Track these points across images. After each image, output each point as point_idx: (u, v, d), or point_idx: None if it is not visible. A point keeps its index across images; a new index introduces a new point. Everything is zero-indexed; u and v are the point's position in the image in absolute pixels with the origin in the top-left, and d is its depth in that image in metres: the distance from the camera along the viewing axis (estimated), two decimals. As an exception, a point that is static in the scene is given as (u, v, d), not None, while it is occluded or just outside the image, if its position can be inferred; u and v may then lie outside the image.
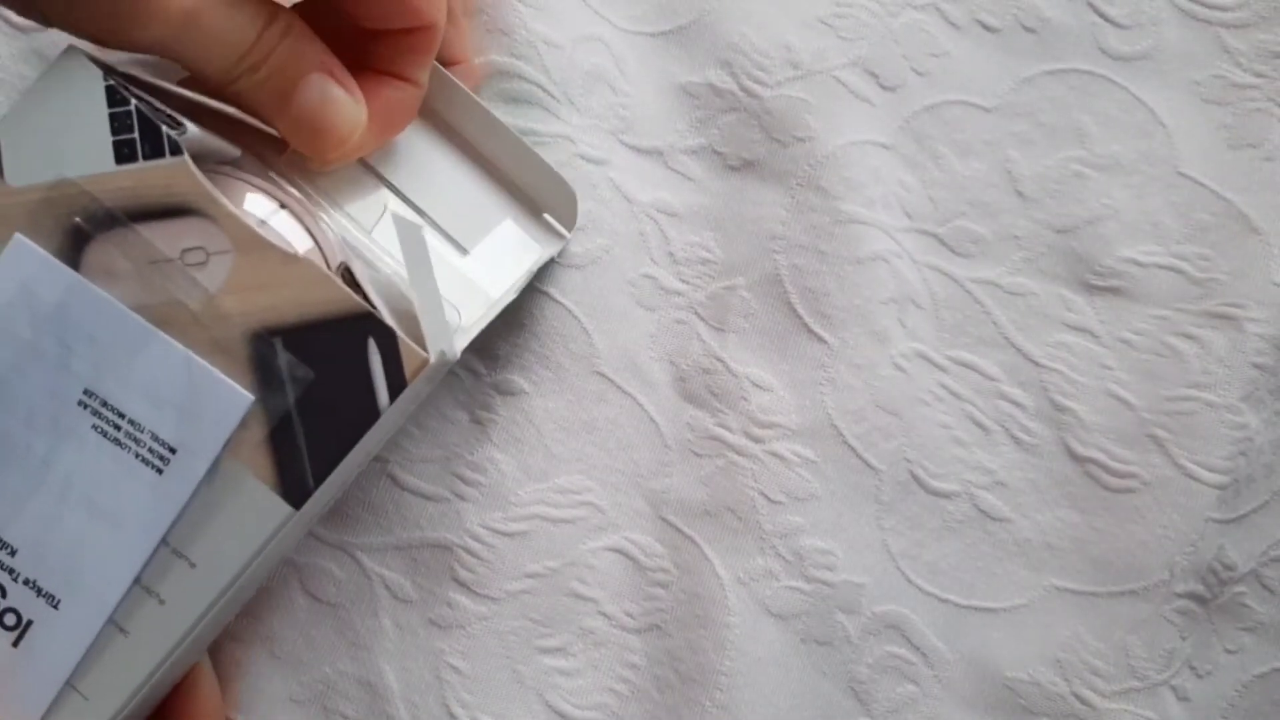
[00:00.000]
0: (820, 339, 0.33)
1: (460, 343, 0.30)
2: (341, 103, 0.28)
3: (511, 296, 0.31)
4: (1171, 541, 0.32)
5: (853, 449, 0.33)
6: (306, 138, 0.28)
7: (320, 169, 0.30)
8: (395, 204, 0.32)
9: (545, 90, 0.33)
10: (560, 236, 0.33)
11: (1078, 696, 0.32)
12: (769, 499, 0.33)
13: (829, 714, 0.32)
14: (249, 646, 0.32)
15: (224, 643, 0.32)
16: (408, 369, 0.26)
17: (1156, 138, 0.34)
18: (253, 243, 0.26)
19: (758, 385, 0.33)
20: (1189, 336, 0.33)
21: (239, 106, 0.28)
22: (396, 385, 0.26)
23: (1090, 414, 0.33)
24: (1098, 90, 0.34)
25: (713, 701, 0.32)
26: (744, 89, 0.34)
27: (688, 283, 0.34)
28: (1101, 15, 0.34)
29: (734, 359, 0.33)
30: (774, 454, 0.33)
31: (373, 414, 0.26)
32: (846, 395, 0.33)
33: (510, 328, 0.33)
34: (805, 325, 0.33)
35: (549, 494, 0.33)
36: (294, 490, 0.26)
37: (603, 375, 0.33)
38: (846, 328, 0.33)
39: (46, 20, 0.26)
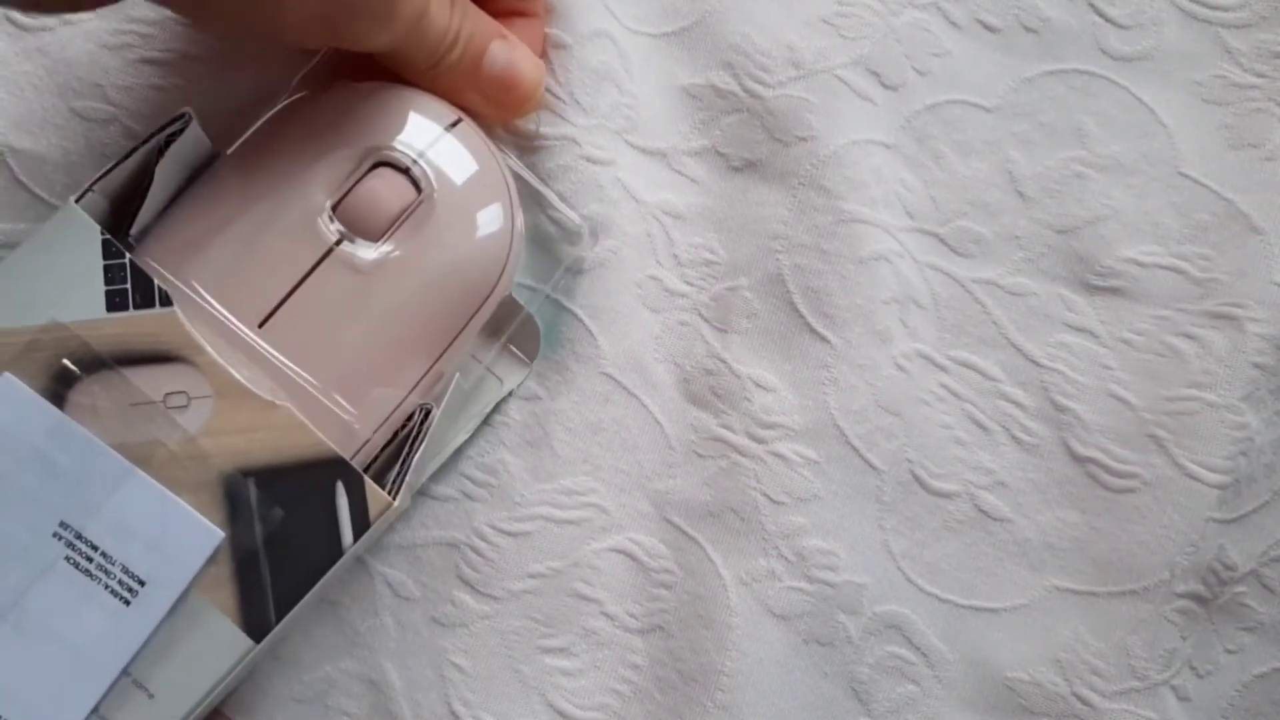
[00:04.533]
0: (823, 339, 0.33)
1: (408, 497, 0.31)
2: (523, 59, 0.31)
3: (465, 437, 0.32)
4: (1172, 541, 0.32)
5: (855, 449, 0.33)
6: (501, 98, 0.31)
7: (512, 127, 0.33)
8: None
9: (551, 92, 0.33)
10: (524, 365, 0.33)
11: (1078, 696, 0.32)
12: (771, 499, 0.33)
13: (830, 714, 0.32)
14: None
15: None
16: (372, 511, 0.27)
17: (1157, 138, 0.34)
18: (233, 389, 0.27)
19: (760, 386, 0.33)
20: (1189, 336, 0.33)
21: (434, 89, 0.30)
22: (361, 526, 0.27)
23: (1091, 414, 0.33)
24: (1098, 90, 0.34)
25: (714, 702, 0.32)
26: (746, 89, 0.34)
27: (692, 284, 0.34)
28: (1102, 15, 0.34)
29: (737, 360, 0.33)
30: (777, 454, 0.33)
31: (336, 553, 0.27)
32: (849, 395, 0.33)
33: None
34: (808, 325, 0.33)
35: (554, 495, 0.33)
36: (255, 625, 0.27)
37: (609, 377, 0.33)
38: (849, 327, 0.33)
39: (249, 27, 0.27)
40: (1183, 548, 0.32)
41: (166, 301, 0.27)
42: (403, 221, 0.29)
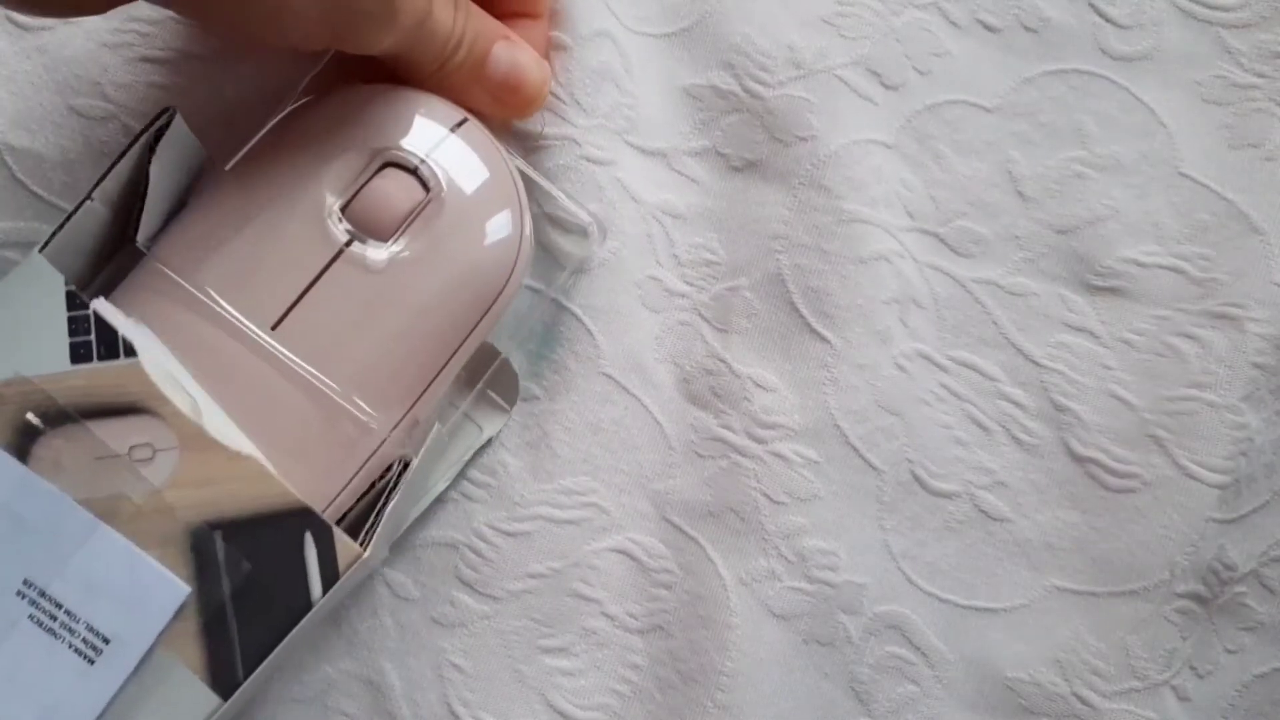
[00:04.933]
0: (823, 339, 0.33)
1: (384, 548, 0.31)
2: (527, 60, 0.31)
3: (445, 485, 0.32)
4: (1172, 541, 0.32)
5: (855, 449, 0.33)
6: (507, 99, 0.31)
7: (517, 129, 0.33)
8: None
9: (551, 93, 0.33)
10: (503, 411, 0.33)
11: (1078, 697, 0.32)
12: (772, 500, 0.33)
13: (830, 714, 0.32)
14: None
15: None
16: (342, 562, 0.27)
17: (1157, 138, 0.34)
18: (198, 441, 0.27)
19: (760, 386, 0.33)
20: (1190, 336, 0.33)
21: (439, 92, 0.30)
22: (330, 578, 0.27)
23: (1091, 414, 0.33)
24: (1098, 90, 0.34)
25: (714, 702, 0.32)
26: (746, 90, 0.34)
27: (692, 284, 0.34)
28: (1102, 15, 0.34)
29: (737, 360, 0.33)
30: (777, 454, 0.33)
31: (305, 606, 0.27)
32: (849, 395, 0.33)
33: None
34: (808, 325, 0.33)
35: (554, 495, 0.33)
36: (223, 681, 0.26)
37: (609, 377, 0.33)
38: (849, 327, 0.33)
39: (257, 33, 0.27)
40: (1183, 548, 0.32)
41: (131, 352, 0.27)
42: (412, 221, 0.29)
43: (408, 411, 0.29)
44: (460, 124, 0.30)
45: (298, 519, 0.27)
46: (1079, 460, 0.33)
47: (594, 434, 0.33)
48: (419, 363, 0.29)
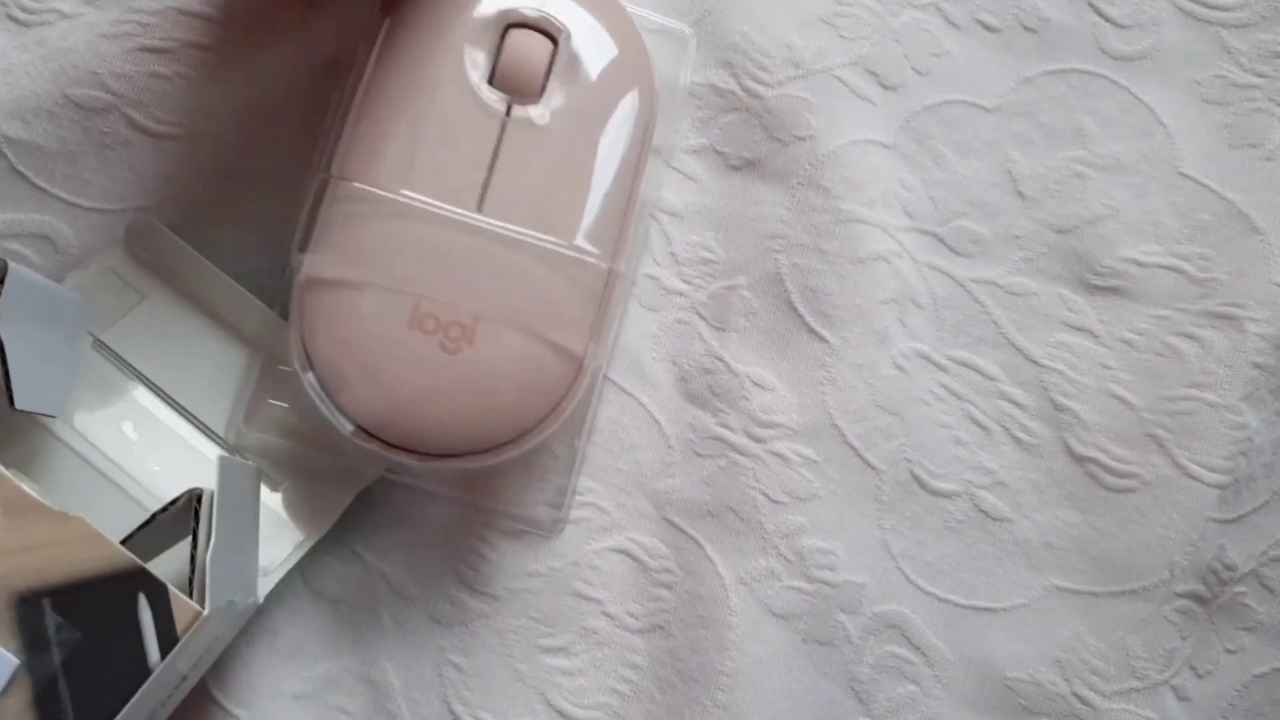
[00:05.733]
0: (821, 338, 0.33)
1: (265, 587, 0.30)
2: None
3: (320, 535, 0.31)
4: (1172, 541, 0.32)
5: (853, 448, 0.33)
6: None
7: None
8: (147, 399, 0.32)
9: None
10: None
11: (1078, 696, 0.32)
12: (770, 499, 0.33)
13: (830, 714, 0.32)
14: (251, 641, 0.32)
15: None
16: (179, 624, 0.25)
17: (1157, 138, 0.34)
18: (22, 504, 0.25)
19: (759, 385, 0.33)
20: (1189, 336, 0.33)
21: None
22: (168, 641, 0.25)
23: (1090, 414, 0.33)
24: (1098, 90, 0.34)
25: (714, 702, 0.32)
26: (745, 89, 0.34)
27: (689, 283, 0.34)
28: (1102, 15, 0.35)
29: (735, 358, 0.33)
30: (775, 454, 0.33)
31: (143, 673, 0.25)
32: (847, 395, 0.33)
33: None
34: (806, 324, 0.33)
35: (552, 494, 0.33)
36: None
37: (606, 376, 0.33)
38: (847, 327, 0.33)
39: None
40: (1182, 547, 0.32)
41: None
42: (551, 70, 0.30)
43: (620, 237, 0.30)
44: None
45: (130, 580, 0.25)
46: (1078, 460, 0.33)
47: (592, 433, 0.33)
48: (613, 192, 0.30)
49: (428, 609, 0.32)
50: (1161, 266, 0.33)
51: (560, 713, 0.32)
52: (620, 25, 0.31)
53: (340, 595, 0.32)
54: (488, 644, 0.32)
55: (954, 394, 0.33)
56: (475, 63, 0.30)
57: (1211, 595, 0.33)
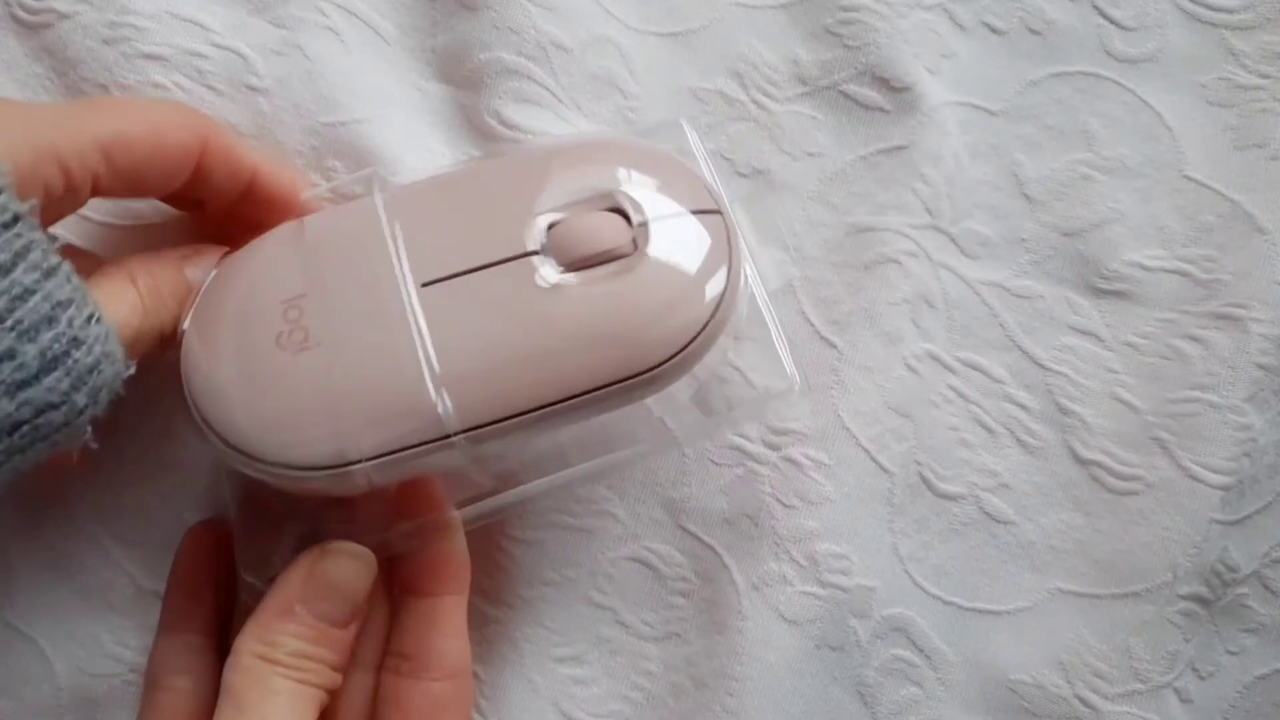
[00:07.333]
0: (830, 344, 0.33)
1: None
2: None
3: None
4: (1175, 543, 0.33)
5: (866, 451, 0.33)
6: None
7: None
8: None
9: (553, 94, 0.33)
10: None
11: (1081, 699, 0.32)
12: (783, 503, 0.33)
13: (836, 718, 0.32)
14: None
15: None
16: None
17: (1162, 140, 0.34)
18: None
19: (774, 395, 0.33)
20: (1193, 338, 0.33)
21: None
22: None
23: (1095, 417, 0.33)
24: (1104, 93, 0.34)
25: (723, 707, 0.32)
26: (754, 101, 0.34)
27: None
28: (1107, 18, 0.34)
29: (750, 368, 0.33)
30: (789, 459, 0.33)
31: None
32: (857, 397, 0.33)
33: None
34: (818, 333, 0.33)
35: (567, 503, 0.33)
36: None
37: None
38: (856, 330, 0.33)
39: None
40: (1185, 549, 0.33)
41: None
42: (596, 265, 0.28)
43: (478, 431, 0.27)
44: (708, 210, 0.29)
45: None
46: (1082, 463, 0.33)
47: None
48: (524, 395, 0.27)
49: (442, 617, 0.32)
50: (1166, 270, 0.34)
51: (573, 720, 0.32)
52: (700, 305, 0.28)
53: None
54: (501, 653, 0.32)
55: (962, 396, 0.33)
56: (554, 203, 0.29)
57: (1214, 597, 0.33)
